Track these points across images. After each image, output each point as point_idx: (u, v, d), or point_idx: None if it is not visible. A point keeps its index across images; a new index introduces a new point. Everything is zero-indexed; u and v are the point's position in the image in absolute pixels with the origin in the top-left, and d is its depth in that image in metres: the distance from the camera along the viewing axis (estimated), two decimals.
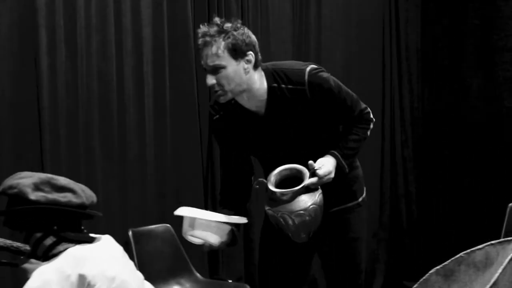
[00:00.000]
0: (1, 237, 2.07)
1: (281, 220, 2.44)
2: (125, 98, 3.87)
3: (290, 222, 2.42)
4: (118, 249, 2.17)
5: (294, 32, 4.52)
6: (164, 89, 4.01)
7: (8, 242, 2.03)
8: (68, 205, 2.01)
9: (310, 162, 2.45)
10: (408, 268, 4.91)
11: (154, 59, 3.97)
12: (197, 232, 2.45)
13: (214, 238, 2.46)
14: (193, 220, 2.45)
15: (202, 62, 2.46)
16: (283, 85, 2.53)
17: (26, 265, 1.98)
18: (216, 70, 2.44)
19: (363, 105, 2.66)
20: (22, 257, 2.02)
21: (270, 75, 2.54)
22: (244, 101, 2.54)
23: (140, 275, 2.22)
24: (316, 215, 2.46)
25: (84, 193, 2.07)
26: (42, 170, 3.47)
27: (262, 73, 2.53)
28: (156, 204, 3.98)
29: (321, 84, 2.53)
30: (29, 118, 3.58)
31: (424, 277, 2.09)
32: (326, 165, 2.50)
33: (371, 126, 2.69)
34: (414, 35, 5.07)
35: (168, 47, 4.00)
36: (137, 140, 3.92)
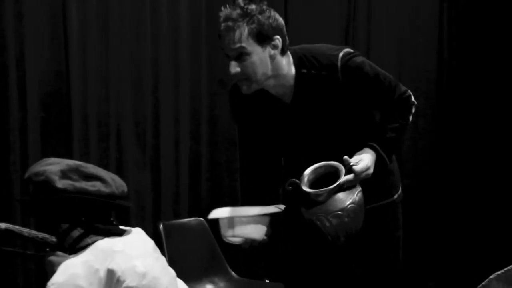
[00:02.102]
0: (26, 227, 2.05)
1: (318, 222, 2.34)
2: (160, 85, 3.84)
3: (327, 224, 2.33)
4: (150, 243, 2.13)
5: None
6: (200, 76, 3.96)
7: (33, 232, 2.01)
8: (97, 194, 1.97)
9: (345, 157, 2.32)
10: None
11: (191, 44, 3.92)
12: (237, 231, 2.38)
13: (255, 234, 2.40)
14: (230, 220, 2.38)
15: (224, 49, 2.34)
16: (313, 71, 2.41)
17: (52, 258, 1.94)
18: (240, 57, 2.32)
19: (403, 88, 2.52)
20: (48, 249, 1.99)
21: (299, 60, 2.43)
22: (269, 87, 2.43)
23: (172, 272, 2.18)
24: (356, 216, 2.35)
25: (114, 182, 2.02)
26: (71, 157, 3.47)
27: (290, 58, 2.42)
28: (189, 196, 3.95)
29: (356, 69, 2.42)
30: (59, 103, 3.59)
31: (483, 283, 1.99)
32: (364, 160, 2.37)
33: (413, 110, 2.54)
34: None
35: (206, 32, 3.95)
36: (171, 129, 3.89)
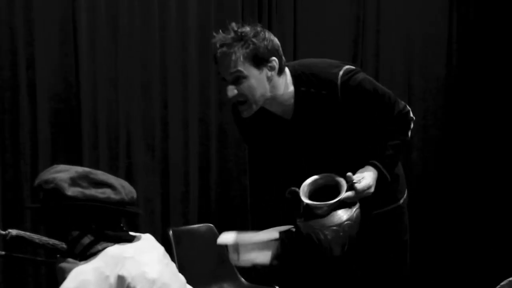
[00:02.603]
0: (36, 233, 2.07)
1: (313, 235, 2.36)
2: (168, 90, 3.86)
3: (322, 237, 2.34)
4: (160, 249, 2.13)
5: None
6: (209, 80, 3.97)
7: (44, 239, 2.02)
8: (106, 201, 1.98)
9: (349, 174, 2.33)
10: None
11: (200, 48, 3.93)
12: (243, 257, 2.40)
13: (263, 258, 2.41)
14: (236, 246, 2.40)
15: (221, 73, 2.35)
16: (312, 89, 2.41)
17: (63, 264, 1.96)
18: (237, 80, 2.32)
19: (402, 104, 2.52)
20: (58, 255, 2.01)
21: (298, 78, 2.42)
22: (268, 105, 2.44)
23: (182, 278, 2.19)
24: (351, 231, 2.36)
25: (123, 189, 2.04)
26: (81, 162, 3.50)
27: (288, 76, 2.42)
28: (199, 201, 3.96)
29: (356, 88, 2.40)
30: (68, 108, 3.61)
31: None
32: (366, 178, 2.38)
33: (412, 125, 2.55)
34: None
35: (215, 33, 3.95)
36: (180, 134, 3.90)
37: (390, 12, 4.45)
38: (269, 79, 2.35)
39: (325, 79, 2.41)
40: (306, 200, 2.34)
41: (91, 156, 3.62)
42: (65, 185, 1.95)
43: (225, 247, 2.43)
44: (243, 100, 2.35)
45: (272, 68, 2.34)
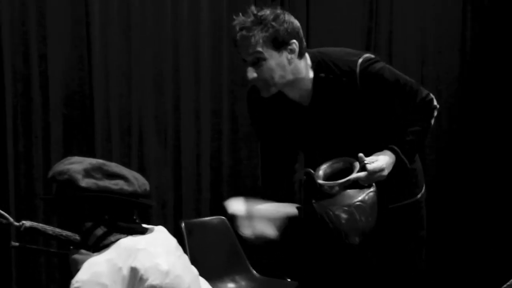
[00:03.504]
0: (50, 225, 2.08)
1: (325, 216, 2.37)
2: (181, 82, 3.87)
3: (333, 217, 2.36)
4: (172, 241, 2.15)
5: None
6: (221, 72, 3.98)
7: (57, 230, 2.04)
8: (120, 193, 2.00)
9: (361, 155, 2.33)
10: None
11: (212, 41, 3.94)
12: (251, 226, 2.43)
13: (268, 230, 2.43)
14: (247, 216, 2.43)
15: (241, 54, 2.36)
16: (331, 76, 2.43)
17: (76, 256, 1.98)
18: (257, 62, 2.34)
19: (425, 92, 2.52)
20: (71, 247, 2.03)
21: (318, 64, 2.44)
22: (287, 90, 2.45)
23: (194, 270, 2.20)
24: (364, 214, 2.36)
25: (137, 181, 2.05)
26: (93, 155, 3.52)
27: (308, 61, 2.43)
28: (211, 193, 3.97)
29: (375, 76, 2.42)
30: (81, 101, 3.64)
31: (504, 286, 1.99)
32: (379, 160, 2.37)
33: (435, 113, 2.54)
34: None
35: (227, 28, 3.96)
36: (192, 126, 3.91)
37: (403, 1, 4.43)
38: (290, 61, 2.36)
39: (345, 66, 2.42)
40: (319, 180, 2.35)
41: (103, 149, 3.65)
42: (79, 176, 1.97)
43: (235, 216, 2.45)
44: (263, 83, 2.37)
45: (292, 51, 2.36)
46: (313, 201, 2.42)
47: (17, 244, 2.12)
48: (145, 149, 3.79)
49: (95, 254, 1.96)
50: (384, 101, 2.46)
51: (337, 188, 2.34)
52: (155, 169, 3.80)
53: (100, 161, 2.06)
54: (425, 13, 4.46)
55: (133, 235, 2.01)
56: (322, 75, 2.43)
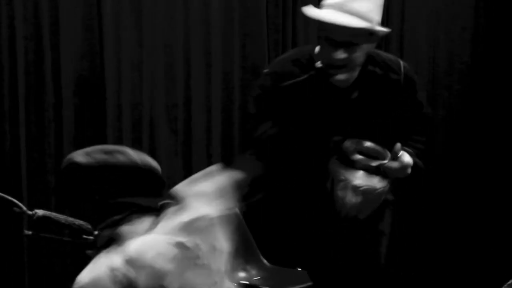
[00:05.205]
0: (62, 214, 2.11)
1: (335, 182, 2.38)
2: (192, 72, 3.88)
3: (350, 192, 2.37)
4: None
5: None
6: (233, 62, 3.99)
7: (70, 219, 2.07)
8: (118, 165, 1.98)
9: (398, 144, 2.37)
10: None
11: (224, 31, 3.94)
12: None
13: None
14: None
15: (330, 33, 2.32)
16: (378, 70, 2.49)
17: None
18: (349, 46, 2.33)
19: (429, 108, 2.70)
20: (84, 235, 2.05)
21: (369, 57, 2.47)
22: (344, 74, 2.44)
23: None
24: (370, 203, 2.41)
25: (138, 155, 2.02)
26: (104, 144, 3.54)
27: None
28: None
29: (413, 79, 2.56)
30: (93, 90, 3.65)
31: None
32: (408, 157, 2.45)
33: (429, 131, 2.70)
34: None
35: (238, 19, 3.97)
36: (203, 116, 3.92)
37: None
38: (371, 49, 2.43)
39: (392, 64, 2.51)
40: (355, 154, 2.36)
41: (114, 138, 3.67)
42: (79, 157, 1.97)
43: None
44: (343, 65, 2.36)
45: (378, 39, 2.40)
46: (333, 160, 2.40)
47: (30, 232, 2.15)
48: (156, 139, 3.81)
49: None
50: (407, 105, 2.56)
51: (372, 166, 2.35)
52: (165, 160, 3.81)
53: (101, 146, 2.06)
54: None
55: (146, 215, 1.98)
56: (370, 67, 2.48)
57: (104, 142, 3.60)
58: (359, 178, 2.37)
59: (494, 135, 4.53)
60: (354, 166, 2.39)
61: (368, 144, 2.42)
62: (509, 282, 1.95)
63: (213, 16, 3.89)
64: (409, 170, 2.44)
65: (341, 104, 2.50)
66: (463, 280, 4.47)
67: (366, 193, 2.37)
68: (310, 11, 2.36)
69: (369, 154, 2.41)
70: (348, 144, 2.41)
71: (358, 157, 2.37)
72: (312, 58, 2.48)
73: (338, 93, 2.48)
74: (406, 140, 2.55)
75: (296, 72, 2.48)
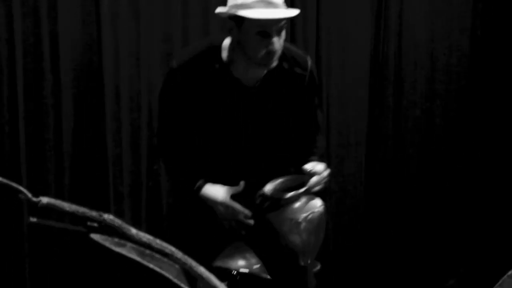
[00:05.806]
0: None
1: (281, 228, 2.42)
2: None
3: (302, 233, 2.41)
4: None
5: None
6: None
7: (74, 207, 2.06)
8: None
9: (305, 166, 2.40)
10: None
11: (222, 21, 3.91)
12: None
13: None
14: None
15: (261, 28, 2.34)
16: (285, 64, 2.49)
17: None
18: (281, 31, 2.37)
19: (322, 115, 2.72)
20: (88, 223, 2.06)
21: None
22: (242, 67, 2.46)
23: None
24: (313, 230, 2.45)
25: None
26: (103, 133, 3.59)
27: None
28: None
29: (316, 79, 2.57)
30: (91, 80, 3.66)
31: (498, 283, 2.00)
32: (319, 164, 2.47)
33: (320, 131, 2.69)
34: None
35: None
36: None
37: None
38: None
39: (300, 59, 2.53)
40: (288, 194, 2.38)
41: (113, 127, 3.67)
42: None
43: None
44: (277, 52, 2.39)
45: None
46: (269, 215, 2.43)
47: (35, 219, 2.15)
48: (154, 129, 3.82)
49: None
50: (307, 105, 2.59)
51: (301, 194, 2.39)
52: None
53: None
54: None
55: None
56: (278, 61, 2.45)
57: (104, 131, 3.61)
58: (300, 211, 2.40)
59: (493, 134, 4.57)
60: (286, 203, 2.40)
61: (283, 179, 2.46)
62: (509, 273, 1.98)
63: (211, 5, 3.89)
64: (328, 174, 2.46)
65: (244, 96, 2.52)
66: (463, 280, 4.54)
67: (313, 219, 2.40)
68: (245, 12, 2.34)
69: (290, 186, 2.44)
70: (268, 188, 2.42)
71: (288, 194, 2.39)
72: (217, 51, 2.50)
73: (243, 86, 2.51)
74: (305, 140, 2.61)
75: (202, 67, 2.51)
